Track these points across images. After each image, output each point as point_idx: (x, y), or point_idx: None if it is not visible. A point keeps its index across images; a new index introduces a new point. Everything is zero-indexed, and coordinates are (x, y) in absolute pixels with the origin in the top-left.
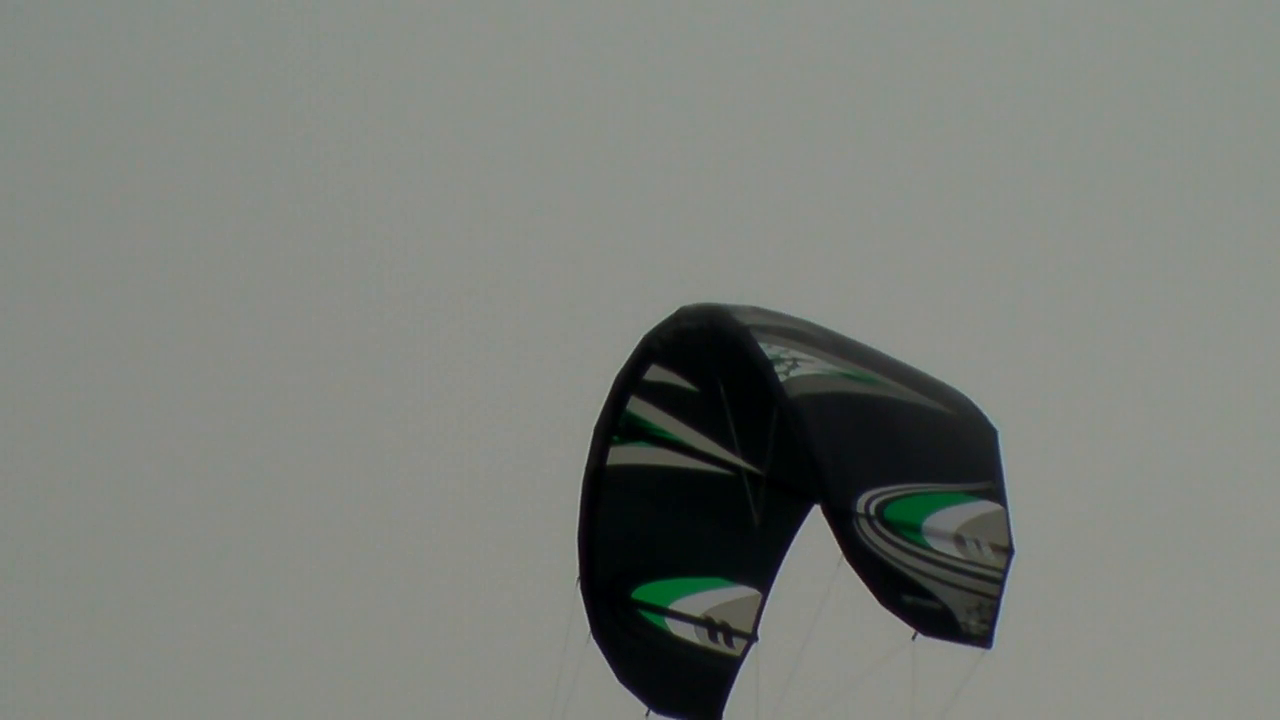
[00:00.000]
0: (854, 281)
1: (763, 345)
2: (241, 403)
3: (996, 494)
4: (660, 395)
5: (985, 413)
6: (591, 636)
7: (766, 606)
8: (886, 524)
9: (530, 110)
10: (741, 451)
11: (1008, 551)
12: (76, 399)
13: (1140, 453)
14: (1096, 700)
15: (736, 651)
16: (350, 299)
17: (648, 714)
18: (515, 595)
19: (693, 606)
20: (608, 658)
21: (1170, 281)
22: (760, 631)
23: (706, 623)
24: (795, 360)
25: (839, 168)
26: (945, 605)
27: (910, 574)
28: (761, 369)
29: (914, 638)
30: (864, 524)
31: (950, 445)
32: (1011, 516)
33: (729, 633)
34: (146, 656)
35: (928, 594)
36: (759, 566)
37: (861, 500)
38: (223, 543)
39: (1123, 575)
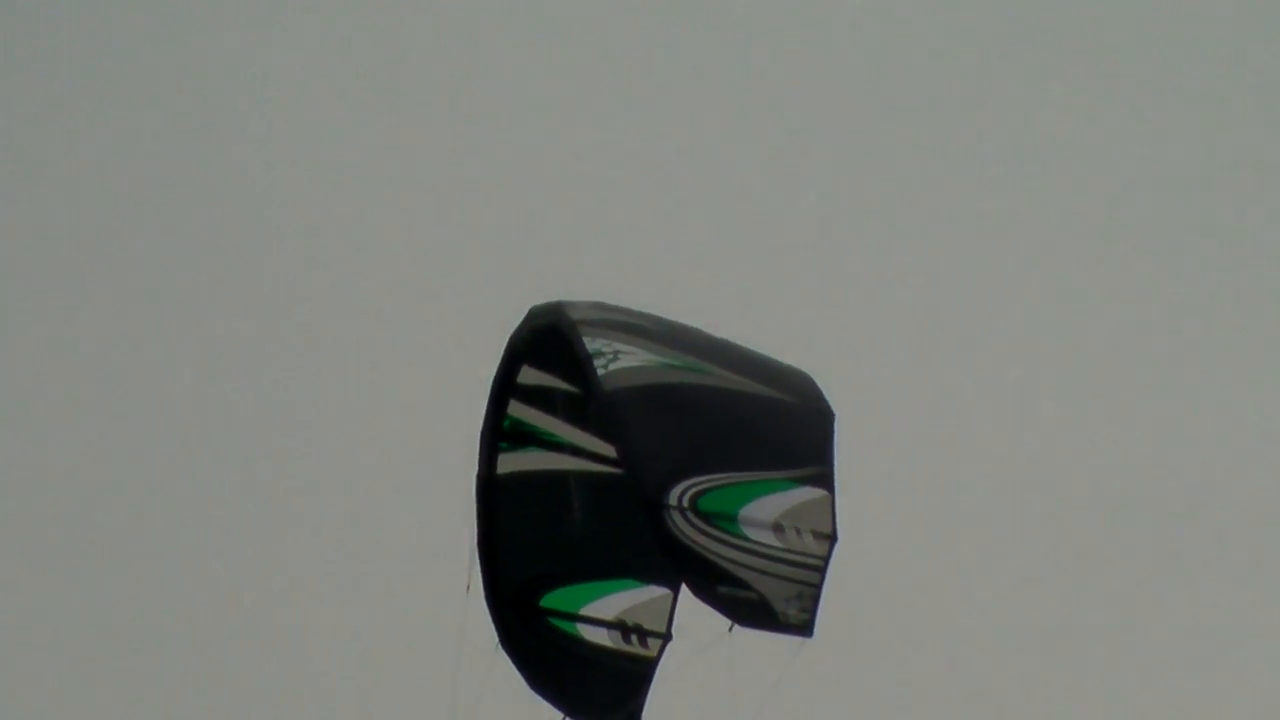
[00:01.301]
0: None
1: (586, 340)
2: (101, 413)
3: (824, 479)
4: (538, 397)
5: (825, 397)
6: (499, 646)
7: (679, 603)
8: (700, 514)
9: (393, 115)
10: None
11: (830, 538)
12: None
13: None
14: (919, 690)
15: (652, 652)
16: (215, 306)
17: None
18: (412, 608)
19: (604, 610)
20: (519, 667)
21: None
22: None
23: (619, 625)
24: (617, 353)
25: (709, 163)
26: (762, 595)
27: (725, 564)
28: (582, 364)
29: (730, 629)
30: (676, 515)
31: (778, 432)
32: (838, 501)
33: (643, 634)
34: None
35: (743, 584)
36: (666, 563)
37: (674, 492)
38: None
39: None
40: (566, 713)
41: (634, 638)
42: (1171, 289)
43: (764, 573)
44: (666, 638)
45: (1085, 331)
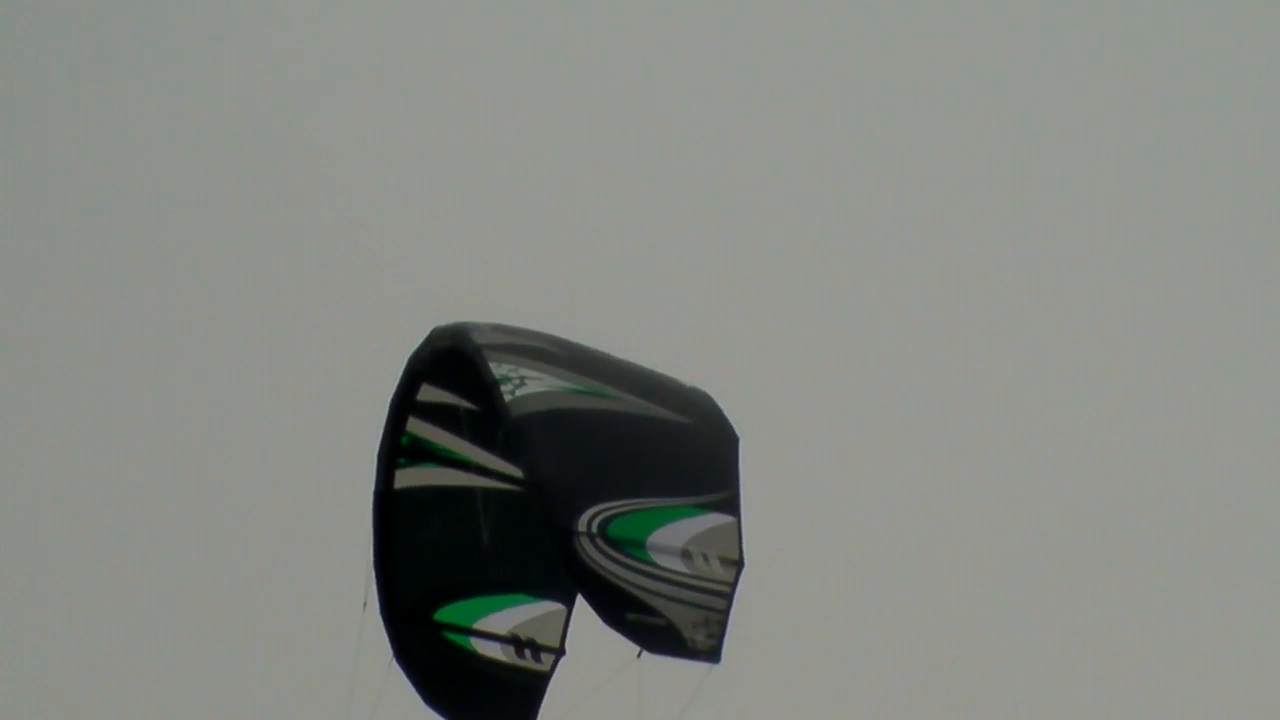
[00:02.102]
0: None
1: (492, 365)
2: None
3: (730, 505)
4: (437, 414)
5: (728, 421)
6: (394, 660)
7: (573, 619)
8: (609, 541)
9: (290, 136)
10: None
11: (737, 564)
12: None
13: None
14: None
15: (545, 667)
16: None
17: None
18: (309, 622)
19: (498, 624)
20: (413, 681)
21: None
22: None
23: (513, 640)
24: (523, 379)
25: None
26: (670, 621)
27: (633, 591)
28: (489, 389)
29: (639, 655)
30: (585, 542)
31: (684, 457)
32: (744, 527)
33: (536, 649)
34: None
35: (652, 611)
36: (560, 580)
37: (583, 518)
38: None
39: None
40: None
41: (527, 652)
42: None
43: (672, 599)
44: (560, 653)
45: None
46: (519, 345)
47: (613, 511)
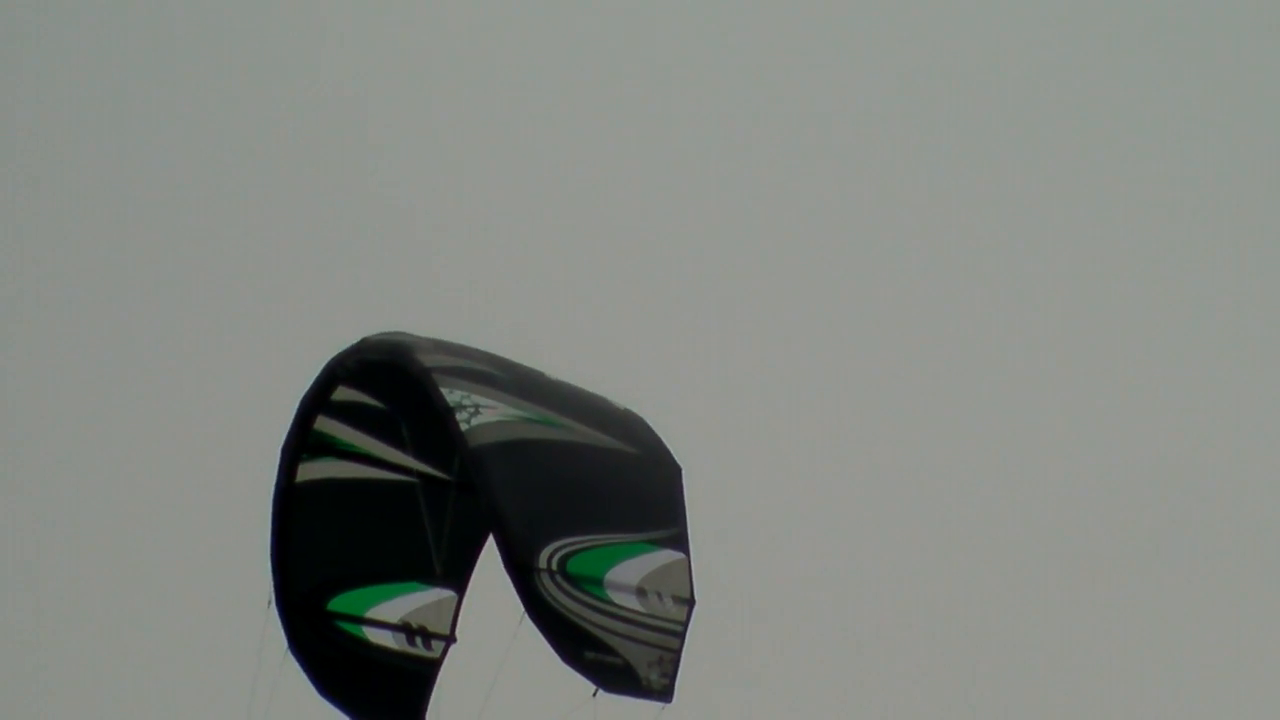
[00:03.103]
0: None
1: (444, 390)
2: None
3: (680, 541)
4: (347, 413)
5: (670, 450)
6: (289, 651)
7: (464, 607)
8: (569, 578)
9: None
10: (428, 459)
11: (688, 603)
12: None
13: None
14: None
15: (435, 654)
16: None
17: None
18: (208, 615)
19: (389, 613)
20: (306, 671)
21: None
22: (458, 632)
23: (404, 628)
24: (477, 407)
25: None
26: (627, 661)
27: (592, 630)
28: (442, 415)
29: (595, 694)
30: (546, 579)
31: (635, 490)
32: (693, 565)
33: (427, 635)
34: None
35: (610, 650)
36: (453, 568)
37: (544, 554)
38: None
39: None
40: (352, 716)
41: (418, 640)
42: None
43: (628, 638)
44: (450, 640)
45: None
46: (466, 369)
47: (572, 548)
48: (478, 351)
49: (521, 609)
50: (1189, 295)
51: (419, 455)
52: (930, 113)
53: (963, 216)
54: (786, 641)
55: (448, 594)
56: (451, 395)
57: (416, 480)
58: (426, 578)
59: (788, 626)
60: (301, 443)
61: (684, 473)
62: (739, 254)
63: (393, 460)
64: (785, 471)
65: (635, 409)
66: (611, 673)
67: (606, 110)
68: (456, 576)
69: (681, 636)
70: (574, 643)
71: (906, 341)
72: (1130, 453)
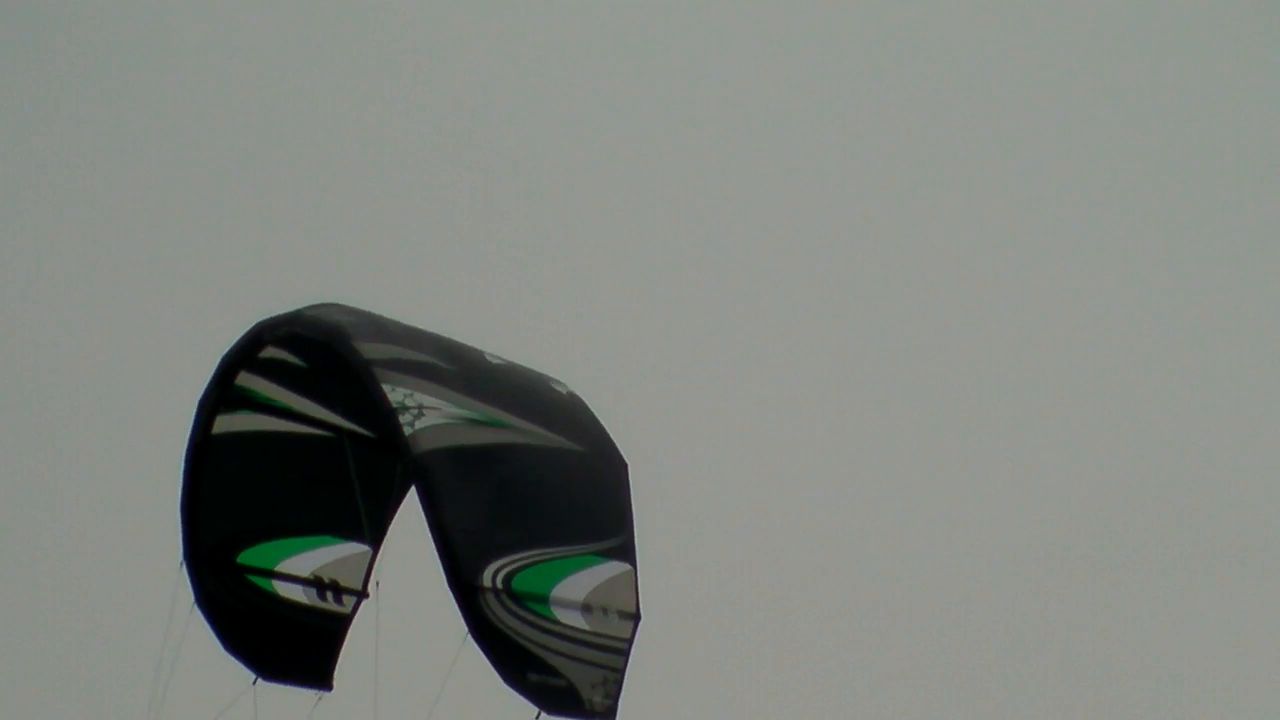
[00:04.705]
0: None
1: (386, 387)
2: None
3: (626, 551)
4: (269, 369)
5: (615, 445)
6: (195, 605)
7: (377, 562)
8: (514, 596)
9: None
10: (346, 414)
11: (634, 618)
12: None
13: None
14: None
15: (346, 609)
16: None
17: (255, 682)
18: (115, 572)
19: (300, 566)
20: (213, 627)
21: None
22: (371, 588)
23: (315, 582)
24: (421, 408)
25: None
26: (570, 682)
27: (536, 650)
28: (385, 416)
29: (538, 717)
30: (490, 599)
31: (582, 495)
32: (639, 577)
33: (339, 590)
34: None
35: (553, 671)
36: (368, 523)
37: (488, 573)
38: None
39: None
40: (257, 673)
41: (329, 594)
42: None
43: (572, 658)
44: (362, 595)
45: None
46: (407, 361)
47: (517, 564)
48: (416, 334)
49: (465, 628)
50: (1190, 293)
51: (340, 411)
52: (909, 105)
53: (956, 212)
54: (738, 648)
55: (362, 549)
56: (394, 394)
57: (335, 435)
58: (341, 532)
59: (740, 631)
60: (220, 397)
61: (629, 468)
62: (710, 242)
63: (313, 415)
64: (743, 463)
65: (575, 389)
66: (555, 695)
67: (580, 100)
68: (371, 531)
69: (626, 654)
70: (517, 664)
71: (898, 340)
72: (1126, 453)
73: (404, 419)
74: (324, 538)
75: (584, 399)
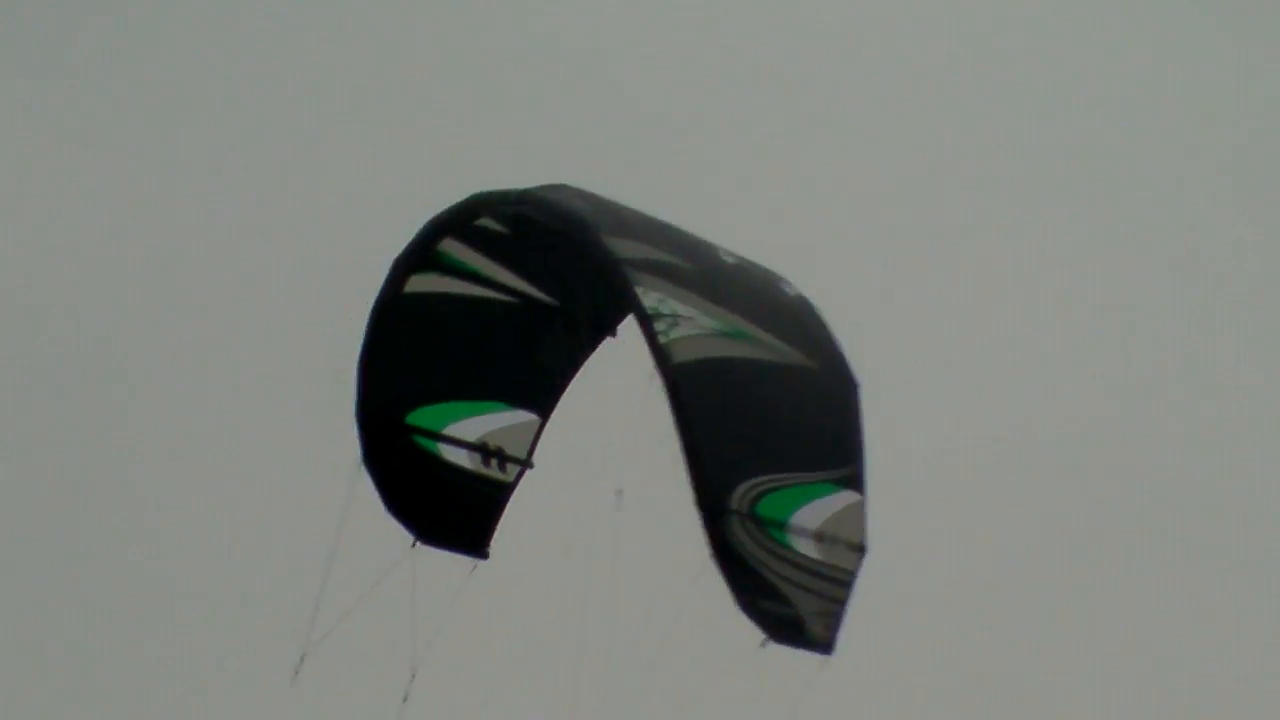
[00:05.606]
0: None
1: (640, 291)
2: None
3: (858, 481)
4: (471, 235)
5: (846, 359)
6: (362, 463)
7: (544, 434)
8: (756, 521)
9: None
10: (538, 284)
11: (860, 551)
12: None
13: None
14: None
15: (509, 477)
16: None
17: (414, 545)
18: (288, 430)
19: (468, 431)
20: (376, 485)
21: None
22: (535, 459)
23: (481, 448)
24: (675, 317)
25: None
26: (798, 612)
27: (771, 578)
28: (639, 321)
29: (763, 644)
30: (735, 522)
31: (818, 418)
32: (869, 508)
33: (503, 458)
34: None
35: (784, 600)
36: (541, 393)
37: (736, 495)
38: None
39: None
40: (417, 536)
41: (494, 461)
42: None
43: (802, 587)
44: (526, 465)
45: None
46: (655, 262)
47: (762, 487)
48: (651, 224)
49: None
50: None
51: (529, 279)
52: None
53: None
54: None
55: (530, 418)
56: (647, 298)
57: (522, 303)
58: (512, 400)
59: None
60: (418, 259)
61: (859, 388)
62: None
63: (501, 281)
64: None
65: (803, 292)
66: (783, 624)
67: None
68: (543, 401)
69: (849, 587)
70: (753, 591)
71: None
72: (1125, 446)
73: (658, 326)
74: (494, 404)
75: (811, 301)
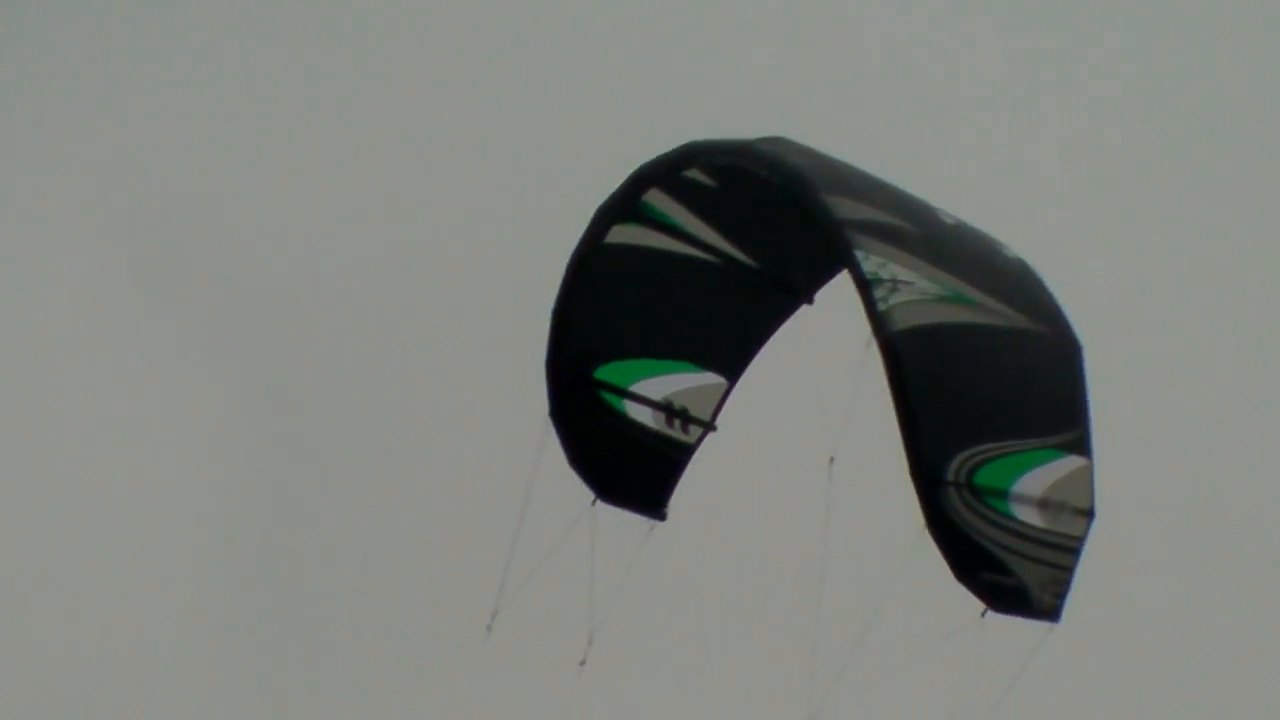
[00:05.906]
0: None
1: (860, 254)
2: None
3: (1084, 444)
4: (676, 188)
5: (1068, 321)
6: (549, 417)
7: (730, 397)
8: (974, 491)
9: None
10: (739, 244)
11: (1088, 515)
12: None
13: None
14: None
15: (691, 439)
16: None
17: (594, 502)
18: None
19: (654, 390)
20: (562, 440)
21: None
22: (719, 421)
23: (666, 407)
24: (895, 282)
25: None
26: (1021, 581)
27: (991, 548)
28: (858, 286)
29: (984, 614)
30: (952, 493)
31: (1042, 382)
32: (1096, 472)
33: (687, 419)
34: None
35: (1005, 569)
36: (732, 356)
37: (953, 465)
38: None
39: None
40: (596, 493)
41: (677, 422)
42: None
43: (1025, 556)
44: (709, 427)
45: None
46: (877, 224)
47: (981, 457)
48: (871, 183)
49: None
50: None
51: (734, 240)
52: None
53: None
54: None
55: (718, 381)
56: (868, 262)
57: (723, 263)
58: (701, 361)
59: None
60: (623, 208)
61: (1083, 350)
62: None
63: (703, 239)
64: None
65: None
66: (1005, 594)
67: None
68: (732, 365)
69: (1077, 553)
70: (972, 562)
71: None
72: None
73: (878, 293)
74: (683, 364)
75: (1029, 263)
